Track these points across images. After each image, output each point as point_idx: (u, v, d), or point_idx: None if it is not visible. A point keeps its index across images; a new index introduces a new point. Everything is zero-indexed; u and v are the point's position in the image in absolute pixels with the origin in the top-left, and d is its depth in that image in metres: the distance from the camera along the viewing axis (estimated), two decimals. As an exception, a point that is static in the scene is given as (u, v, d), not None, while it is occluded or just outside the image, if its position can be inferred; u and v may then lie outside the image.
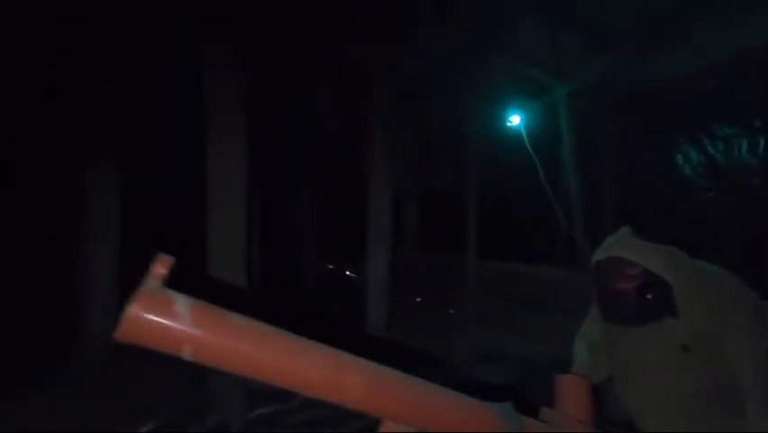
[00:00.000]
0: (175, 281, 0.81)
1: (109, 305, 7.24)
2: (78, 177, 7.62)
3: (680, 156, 8.54)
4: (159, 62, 7.71)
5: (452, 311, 10.55)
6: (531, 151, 9.03)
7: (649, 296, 1.87)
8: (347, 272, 14.50)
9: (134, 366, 7.16)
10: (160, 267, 0.80)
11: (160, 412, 5.72)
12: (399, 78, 8.55)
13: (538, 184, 9.45)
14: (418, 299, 11.50)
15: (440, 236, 13.11)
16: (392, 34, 7.95)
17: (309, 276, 13.10)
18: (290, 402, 6.06)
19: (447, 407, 1.00)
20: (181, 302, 0.79)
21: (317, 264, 13.92)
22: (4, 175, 10.31)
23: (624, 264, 1.92)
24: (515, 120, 9.45)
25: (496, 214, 12.38)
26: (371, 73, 8.38)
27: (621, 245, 1.98)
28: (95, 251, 7.44)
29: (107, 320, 7.25)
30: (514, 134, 9.69)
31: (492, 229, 11.87)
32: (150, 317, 0.76)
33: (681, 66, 7.75)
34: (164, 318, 0.76)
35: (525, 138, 9.08)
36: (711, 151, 8.16)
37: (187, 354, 0.80)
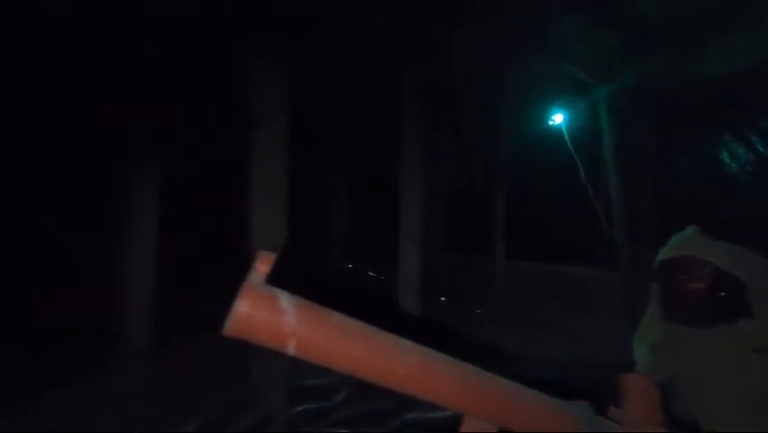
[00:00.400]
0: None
1: (146, 302, 7.40)
2: (117, 175, 7.80)
3: (724, 154, 8.36)
4: (202, 61, 7.83)
5: (478, 311, 10.48)
6: (572, 149, 8.92)
7: (722, 294, 1.83)
8: (369, 272, 14.54)
9: (175, 363, 7.36)
10: (263, 264, 0.82)
11: (205, 409, 5.81)
12: (434, 77, 8.53)
13: (572, 183, 9.33)
14: (443, 299, 11.45)
15: (466, 235, 13.11)
16: (427, 31, 7.94)
17: (331, 276, 13.06)
18: (332, 399, 6.13)
19: (529, 405, 1.02)
20: (285, 299, 0.82)
21: (340, 264, 13.92)
22: (39, 172, 10.61)
23: (694, 263, 1.88)
24: (557, 119, 9.36)
25: (526, 213, 12.30)
26: (405, 72, 8.37)
27: (690, 244, 1.94)
28: (132, 248, 7.55)
29: (145, 317, 7.41)
30: (550, 133, 9.60)
31: (522, 228, 11.79)
32: (258, 313, 0.78)
33: (724, 64, 7.59)
34: (271, 315, 0.79)
35: (567, 137, 8.98)
36: (760, 148, 7.96)
37: (291, 349, 0.82)
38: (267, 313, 0.78)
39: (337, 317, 0.86)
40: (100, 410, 5.96)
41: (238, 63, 6.58)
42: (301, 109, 6.99)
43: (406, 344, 0.91)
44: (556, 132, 9.59)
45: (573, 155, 8.95)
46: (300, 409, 5.95)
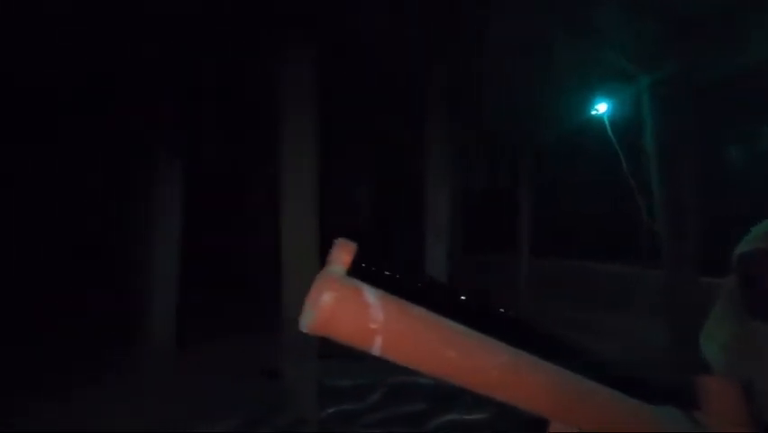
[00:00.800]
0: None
1: (172, 302, 7.35)
2: (142, 173, 7.83)
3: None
4: (230, 60, 7.80)
5: (501, 310, 10.23)
6: (613, 140, 8.65)
7: None
8: (385, 272, 14.43)
9: (206, 364, 7.33)
10: (343, 252, 0.74)
11: (237, 410, 5.74)
12: (458, 73, 8.36)
13: (607, 176, 9.05)
14: (463, 298, 11.21)
15: (490, 233, 12.90)
16: (453, 21, 7.77)
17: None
18: (366, 400, 6.00)
19: (618, 409, 0.95)
20: (370, 292, 0.73)
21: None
22: (65, 172, 10.77)
23: None
24: (600, 108, 9.10)
25: (554, 209, 12.08)
26: (430, 66, 8.22)
27: None
28: (157, 248, 7.51)
29: (168, 316, 7.38)
30: (588, 124, 9.34)
31: (553, 224, 11.58)
32: (344, 307, 0.70)
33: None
34: (358, 309, 0.71)
35: (608, 127, 8.72)
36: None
37: (377, 347, 0.74)
38: (353, 307, 0.70)
39: (424, 313, 0.79)
40: (122, 410, 5.95)
41: (266, 62, 6.53)
42: (327, 108, 6.89)
43: (496, 343, 0.85)
44: (594, 122, 9.33)
45: (615, 146, 8.67)
46: (333, 410, 5.83)
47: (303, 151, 6.04)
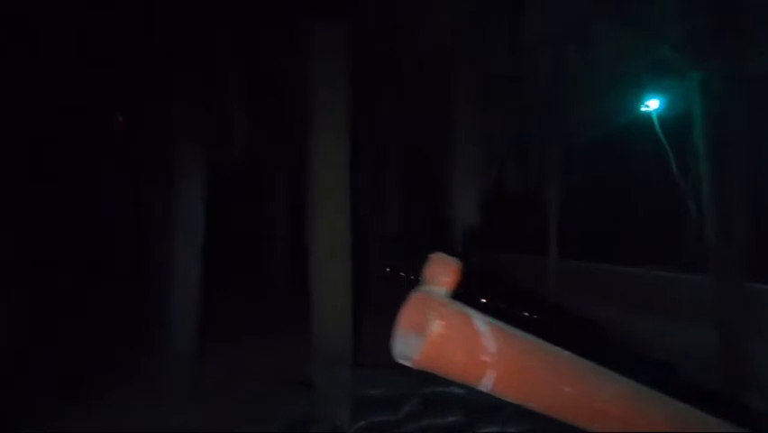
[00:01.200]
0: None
1: (194, 308, 7.27)
2: (163, 183, 7.81)
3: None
4: (260, 59, 7.75)
5: (526, 314, 9.95)
6: (662, 138, 8.32)
7: None
8: (402, 274, 14.38)
9: (231, 371, 7.26)
10: (445, 271, 0.67)
11: (270, 421, 5.64)
12: (487, 73, 8.15)
13: (646, 176, 8.68)
14: (483, 300, 10.98)
15: (513, 235, 12.61)
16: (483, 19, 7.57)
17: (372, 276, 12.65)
18: (399, 411, 5.82)
19: None
20: (479, 319, 0.66)
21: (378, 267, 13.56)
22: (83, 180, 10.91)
23: None
24: (652, 105, 8.78)
25: (584, 211, 11.77)
26: (458, 66, 8.03)
27: None
28: (179, 256, 7.37)
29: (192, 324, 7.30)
30: (634, 121, 9.02)
31: (579, 227, 11.29)
32: (456, 337, 0.63)
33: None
34: (469, 339, 0.64)
35: (656, 124, 8.40)
36: None
37: (487, 383, 0.66)
38: (464, 337, 0.64)
39: (535, 342, 0.73)
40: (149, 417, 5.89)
41: (298, 61, 6.42)
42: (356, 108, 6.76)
43: (613, 376, 0.80)
44: (642, 119, 9.00)
45: (663, 144, 8.33)
46: (366, 421, 5.66)
47: (335, 145, 5.87)
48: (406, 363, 0.63)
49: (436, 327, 0.61)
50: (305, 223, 9.82)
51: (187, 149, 7.30)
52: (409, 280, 14.36)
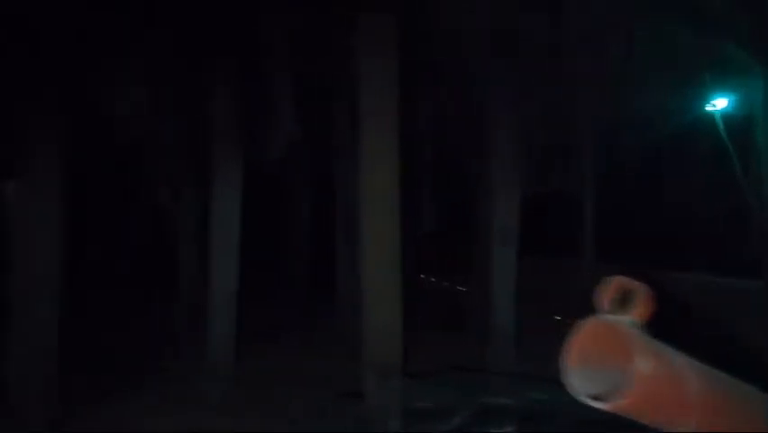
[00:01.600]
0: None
1: (233, 315, 7.29)
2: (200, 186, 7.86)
3: None
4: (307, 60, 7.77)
5: (558, 318, 9.67)
6: (725, 137, 8.07)
7: None
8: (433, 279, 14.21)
9: (285, 383, 7.24)
10: (635, 299, 0.57)
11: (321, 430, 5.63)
12: (524, 69, 8.00)
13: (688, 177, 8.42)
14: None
15: (546, 237, 12.40)
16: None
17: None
18: (449, 422, 5.75)
19: None
20: (674, 355, 0.57)
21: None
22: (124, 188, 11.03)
23: None
24: (719, 104, 8.56)
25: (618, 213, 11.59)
26: (496, 63, 7.90)
27: None
28: (216, 257, 7.36)
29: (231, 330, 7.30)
30: (693, 119, 8.86)
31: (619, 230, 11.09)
32: (662, 377, 0.53)
33: None
34: (673, 380, 0.55)
35: (720, 124, 8.17)
36: None
37: (690, 428, 0.57)
38: (668, 377, 0.53)
39: (728, 378, 0.63)
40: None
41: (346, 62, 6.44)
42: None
43: None
44: (703, 117, 8.83)
45: (726, 143, 8.07)
46: (417, 431, 5.61)
47: (384, 149, 5.83)
48: (592, 403, 0.54)
49: (645, 366, 0.52)
50: (331, 222, 9.91)
51: (227, 148, 7.39)
52: (443, 286, 14.29)
